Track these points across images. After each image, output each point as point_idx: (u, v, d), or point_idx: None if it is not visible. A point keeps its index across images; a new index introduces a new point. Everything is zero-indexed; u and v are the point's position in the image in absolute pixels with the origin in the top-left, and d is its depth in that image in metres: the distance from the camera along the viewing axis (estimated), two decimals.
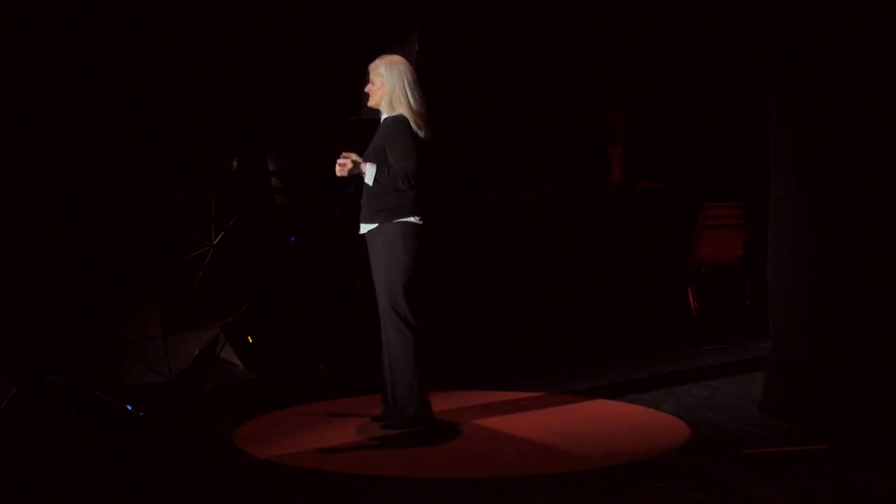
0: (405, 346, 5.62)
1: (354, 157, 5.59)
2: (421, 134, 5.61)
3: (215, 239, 7.38)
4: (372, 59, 7.85)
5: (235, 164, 7.72)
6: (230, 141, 7.64)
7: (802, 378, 5.76)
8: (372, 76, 5.69)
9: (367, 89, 5.73)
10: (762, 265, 6.11)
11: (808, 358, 5.75)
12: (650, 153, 9.92)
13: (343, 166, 5.58)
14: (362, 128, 7.83)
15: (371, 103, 5.73)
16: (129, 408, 5.18)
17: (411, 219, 5.58)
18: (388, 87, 5.63)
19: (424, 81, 7.35)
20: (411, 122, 5.59)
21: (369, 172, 5.58)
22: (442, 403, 6.13)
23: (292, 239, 7.89)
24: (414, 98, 5.62)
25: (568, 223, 9.32)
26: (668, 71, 9.63)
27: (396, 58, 5.73)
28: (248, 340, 7.40)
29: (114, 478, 4.62)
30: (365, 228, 5.69)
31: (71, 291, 6.84)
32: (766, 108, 6.05)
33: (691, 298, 9.11)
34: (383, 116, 5.69)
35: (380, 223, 5.61)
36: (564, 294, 9.26)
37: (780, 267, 5.92)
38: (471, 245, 8.99)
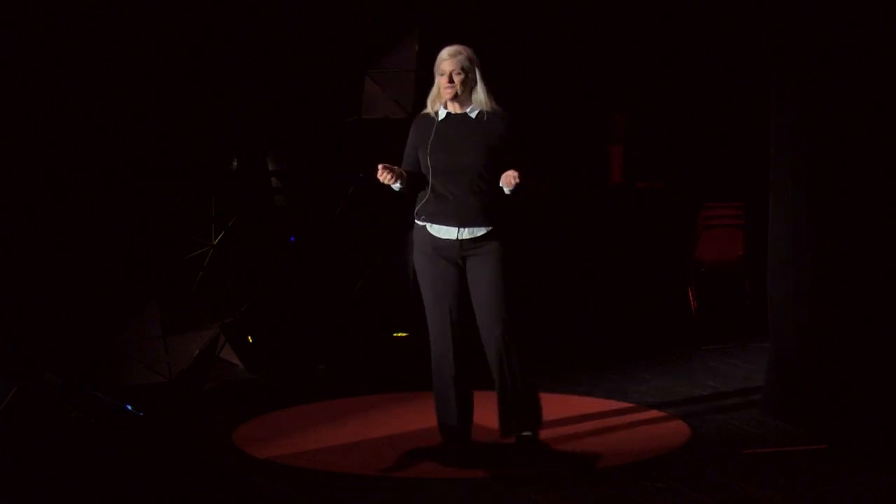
0: (524, 352, 5.31)
1: (516, 174, 5.10)
2: None
3: (215, 239, 7.38)
4: (372, 60, 7.84)
5: (235, 164, 7.71)
6: (230, 141, 7.64)
7: (802, 378, 5.76)
8: (457, 65, 5.24)
9: (455, 82, 5.23)
10: (762, 265, 6.10)
11: (807, 358, 5.75)
12: (650, 153, 9.91)
13: (517, 180, 5.10)
14: (362, 128, 7.86)
15: (457, 93, 5.25)
16: (129, 408, 5.19)
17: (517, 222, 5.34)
18: (480, 79, 5.26)
19: (423, 81, 7.37)
20: None
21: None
22: None
23: (292, 239, 7.89)
24: None
25: (567, 222, 9.30)
26: (668, 71, 9.62)
27: None
28: (248, 340, 7.40)
29: (114, 478, 4.62)
30: (478, 231, 5.24)
31: (70, 291, 6.84)
32: (766, 108, 6.05)
33: (691, 298, 9.11)
34: (474, 111, 5.28)
35: (498, 224, 5.24)
36: (564, 294, 9.25)
37: (779, 267, 5.92)
38: None
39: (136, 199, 7.19)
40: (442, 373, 5.36)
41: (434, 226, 5.28)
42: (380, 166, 5.16)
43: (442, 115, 5.32)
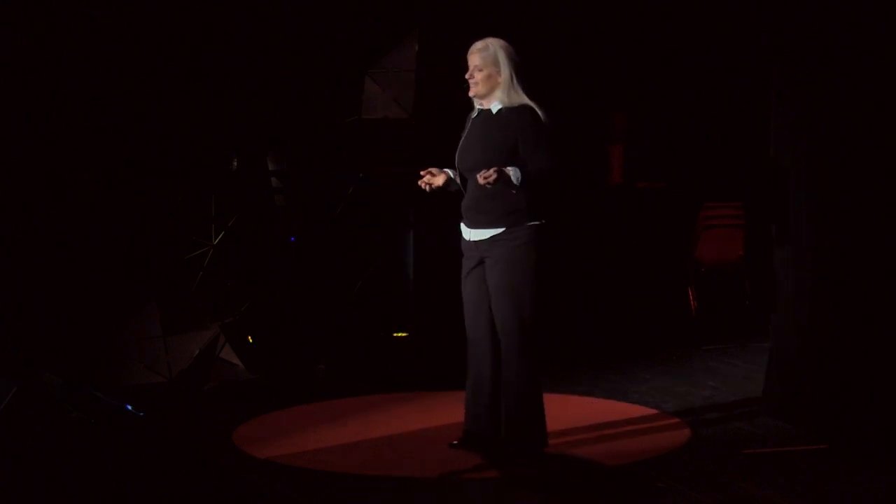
0: (531, 364, 5.10)
1: (494, 170, 4.87)
2: None
3: (215, 239, 7.38)
4: (372, 60, 7.83)
5: (235, 164, 7.71)
6: (230, 141, 7.64)
7: (802, 378, 5.76)
8: (480, 61, 5.10)
9: (475, 78, 5.11)
10: (762, 265, 6.10)
11: (807, 358, 5.75)
12: (650, 153, 9.91)
13: (489, 179, 4.86)
14: (362, 128, 7.85)
15: (478, 92, 5.13)
16: (129, 408, 5.19)
17: (542, 220, 5.08)
18: (507, 73, 5.06)
19: (423, 81, 7.36)
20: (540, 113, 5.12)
21: (514, 175, 4.96)
22: (442, 404, 6.14)
23: (292, 239, 7.89)
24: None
25: (567, 222, 9.31)
26: (668, 71, 9.63)
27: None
28: (248, 340, 7.40)
29: (114, 478, 4.62)
30: (485, 234, 5.09)
31: (70, 291, 6.84)
32: (766, 108, 6.05)
33: (691, 298, 9.11)
34: (496, 107, 5.14)
35: (508, 227, 5.04)
36: (564, 294, 9.25)
37: (779, 267, 5.92)
38: None
39: (136, 199, 7.19)
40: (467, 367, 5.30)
41: (461, 225, 5.23)
42: (423, 173, 5.11)
43: (475, 112, 5.21)
